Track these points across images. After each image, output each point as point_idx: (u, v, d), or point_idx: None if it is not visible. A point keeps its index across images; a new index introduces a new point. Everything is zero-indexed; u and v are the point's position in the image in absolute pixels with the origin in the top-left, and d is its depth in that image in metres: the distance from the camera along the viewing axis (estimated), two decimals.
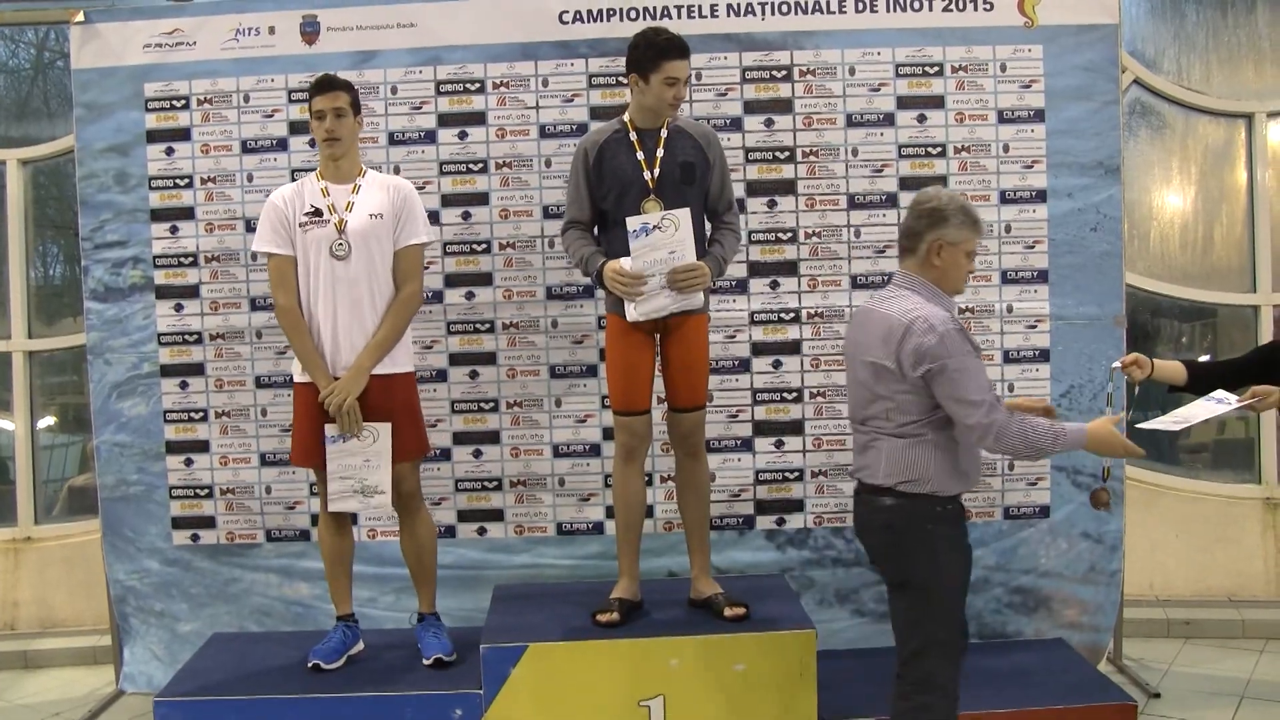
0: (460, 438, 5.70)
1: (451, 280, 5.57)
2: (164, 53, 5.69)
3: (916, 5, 5.58)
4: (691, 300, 4.70)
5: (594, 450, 5.70)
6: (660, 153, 4.74)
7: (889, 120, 5.62)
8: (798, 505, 5.70)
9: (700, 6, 5.58)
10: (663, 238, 4.62)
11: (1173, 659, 6.09)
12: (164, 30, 5.69)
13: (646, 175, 4.72)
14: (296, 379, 4.94)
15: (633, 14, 5.56)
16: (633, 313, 4.65)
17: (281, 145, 5.70)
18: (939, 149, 5.62)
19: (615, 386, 4.86)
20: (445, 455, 5.60)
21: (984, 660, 5.43)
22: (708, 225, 4.93)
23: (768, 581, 5.43)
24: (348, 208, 4.84)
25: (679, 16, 5.54)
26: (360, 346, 4.81)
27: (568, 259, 5.02)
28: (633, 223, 4.64)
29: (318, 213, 4.83)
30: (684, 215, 4.64)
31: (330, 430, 4.78)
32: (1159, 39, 6.97)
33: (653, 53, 4.66)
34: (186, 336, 5.74)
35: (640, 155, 4.74)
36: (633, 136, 4.77)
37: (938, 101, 5.62)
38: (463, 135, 5.66)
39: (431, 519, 5.18)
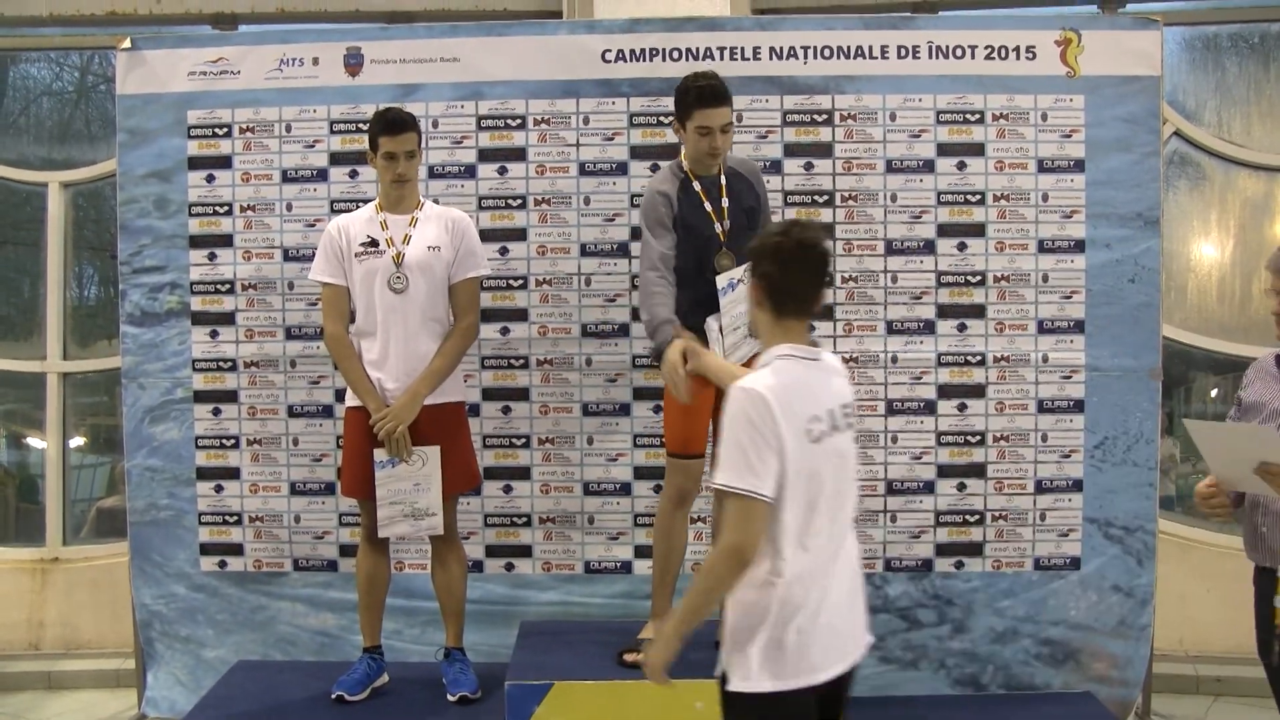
0: (491, 473, 5.69)
1: (487, 315, 5.54)
2: (208, 80, 5.72)
3: (959, 53, 5.58)
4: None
5: (624, 489, 5.68)
6: (725, 202, 4.74)
7: (929, 166, 5.61)
8: None
9: (743, 49, 5.59)
10: (745, 290, 4.62)
11: (1203, 716, 6.03)
12: (209, 59, 5.72)
13: (718, 228, 4.72)
14: (351, 404, 4.97)
15: (675, 54, 5.58)
16: None
17: (322, 176, 5.72)
18: (978, 196, 5.60)
19: (673, 429, 4.80)
20: (475, 490, 5.57)
21: (1011, 712, 5.44)
22: None
23: None
24: (405, 240, 4.88)
25: (721, 58, 5.56)
26: (411, 375, 4.83)
27: (641, 303, 4.76)
28: (721, 280, 4.65)
29: (374, 243, 4.87)
30: None
31: (379, 455, 4.80)
32: (1200, 91, 6.96)
33: (688, 99, 4.68)
34: (221, 363, 5.76)
35: (708, 206, 4.73)
36: (696, 186, 4.76)
37: (978, 149, 5.61)
38: (503, 170, 5.68)
39: (464, 553, 5.18)
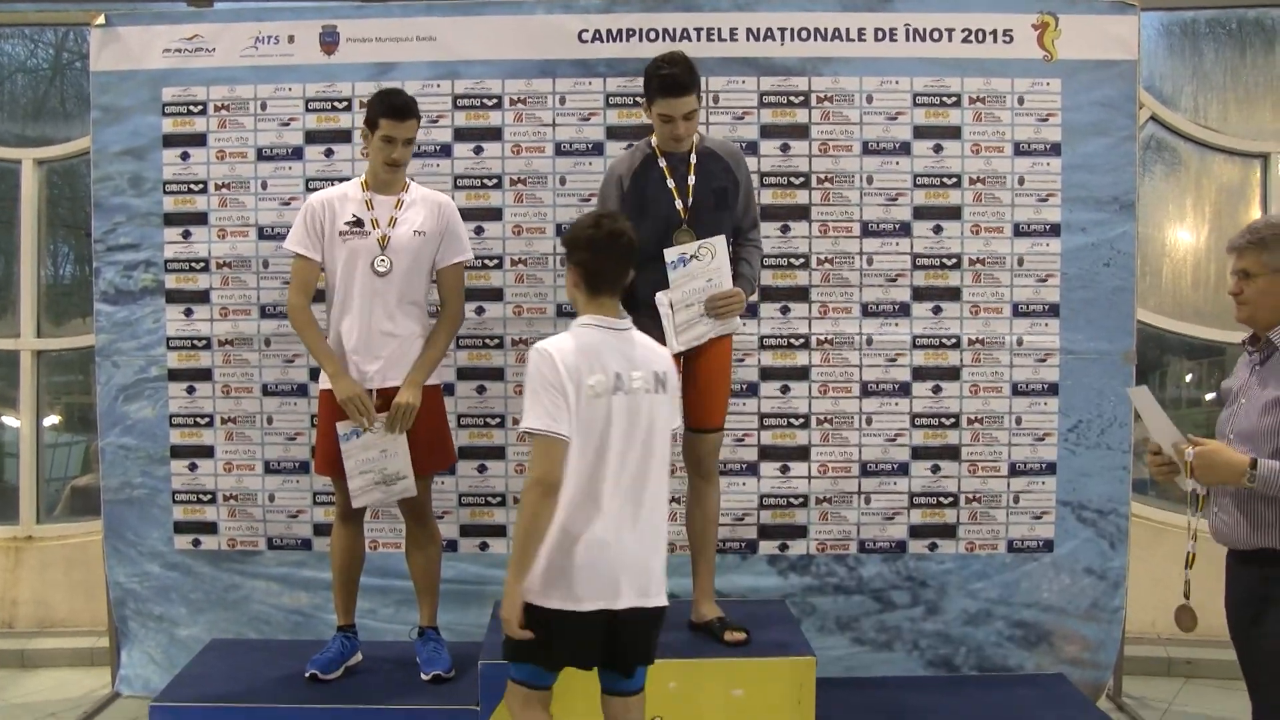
0: (465, 452, 5.68)
1: None
2: (183, 58, 5.70)
3: (936, 35, 5.58)
4: (729, 324, 4.72)
5: None
6: (692, 179, 4.72)
7: (905, 149, 5.62)
8: (801, 531, 5.69)
9: (720, 30, 5.59)
10: (700, 266, 4.62)
11: (1173, 698, 6.06)
12: (184, 35, 5.70)
13: (678, 205, 4.70)
14: (323, 386, 4.93)
15: (652, 35, 5.58)
16: (675, 345, 4.61)
17: (297, 154, 5.70)
18: (954, 179, 5.62)
19: None
20: (450, 469, 5.57)
21: (984, 694, 5.46)
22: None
23: (769, 607, 5.40)
24: (391, 223, 4.85)
25: (698, 39, 5.56)
26: (386, 357, 4.82)
27: None
28: (670, 254, 4.62)
29: (359, 223, 4.84)
30: (720, 243, 4.65)
31: (342, 428, 4.77)
32: (1177, 76, 6.97)
33: (651, 86, 4.64)
34: (195, 342, 5.74)
35: (671, 183, 4.72)
36: (662, 163, 4.74)
37: (954, 132, 5.62)
38: (478, 150, 5.67)
39: (439, 533, 5.16)
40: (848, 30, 5.60)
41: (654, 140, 4.78)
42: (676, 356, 4.66)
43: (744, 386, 5.64)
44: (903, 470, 5.67)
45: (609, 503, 3.60)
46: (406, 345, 4.88)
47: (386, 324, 4.84)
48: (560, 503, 3.58)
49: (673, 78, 4.57)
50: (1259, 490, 3.50)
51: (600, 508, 3.59)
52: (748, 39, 5.61)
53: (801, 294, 5.65)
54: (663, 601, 3.78)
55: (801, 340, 5.65)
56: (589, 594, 3.59)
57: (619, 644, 3.72)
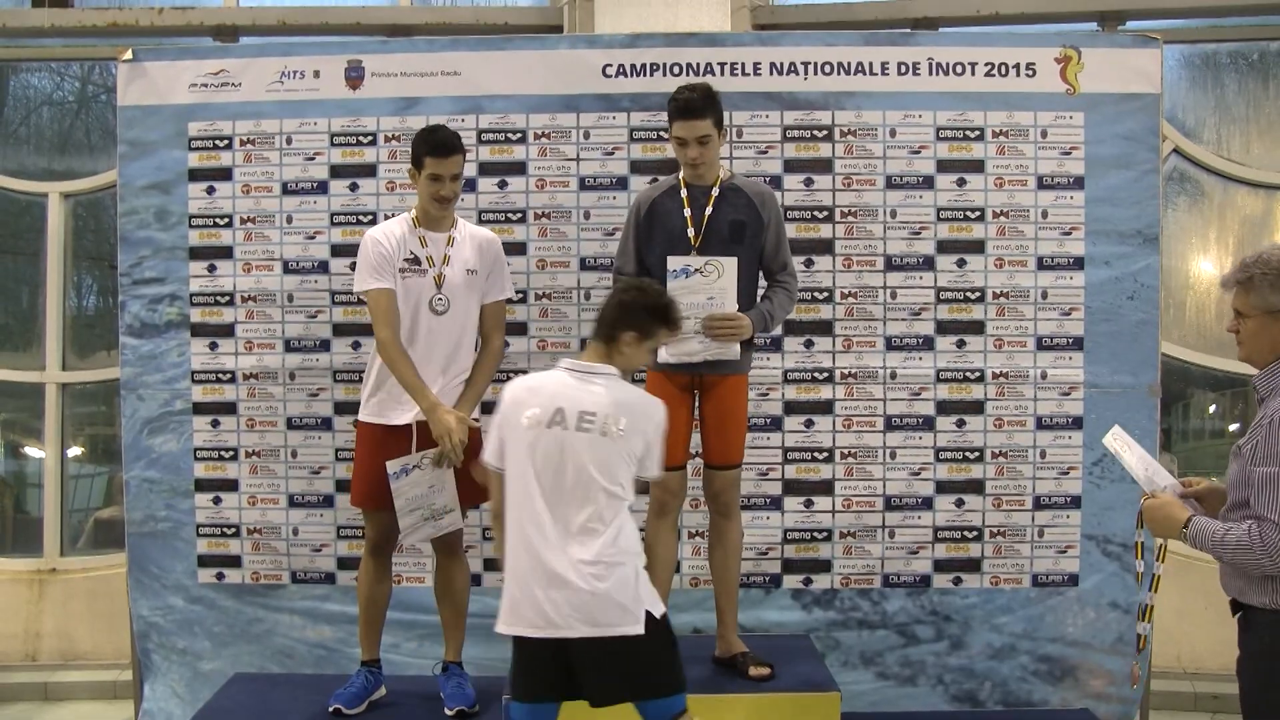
0: None
1: None
2: (209, 93, 5.73)
3: (959, 69, 5.59)
4: (725, 350, 4.70)
5: None
6: (709, 211, 4.74)
7: (928, 183, 5.61)
8: (825, 565, 5.67)
9: (743, 64, 5.60)
10: (703, 282, 4.63)
11: None
12: (210, 70, 5.73)
13: (690, 233, 4.73)
14: (362, 419, 4.95)
15: (675, 69, 5.59)
16: (663, 354, 4.63)
17: (322, 188, 5.72)
18: (978, 213, 5.61)
19: None
20: (475, 505, 5.56)
21: None
22: (762, 284, 4.93)
23: (793, 641, 5.39)
24: (445, 261, 4.88)
25: (722, 73, 5.56)
26: (446, 395, 4.85)
27: None
28: (674, 263, 4.65)
29: (416, 261, 4.86)
30: (730, 264, 4.65)
31: (393, 466, 4.76)
32: (1199, 109, 6.98)
33: (669, 110, 4.72)
34: (220, 375, 5.75)
35: (688, 212, 4.75)
36: (683, 194, 4.78)
37: (978, 165, 5.61)
38: (502, 184, 5.68)
39: (468, 567, 5.16)
40: (871, 64, 5.60)
41: (680, 172, 4.81)
42: (676, 382, 4.71)
43: (767, 420, 5.63)
44: (927, 504, 5.65)
45: (545, 531, 3.76)
46: (459, 382, 4.91)
47: (443, 362, 4.88)
48: (508, 527, 3.85)
49: (686, 101, 4.66)
50: (1194, 547, 3.53)
51: (534, 535, 3.76)
52: (771, 73, 5.62)
53: (825, 328, 5.64)
54: (628, 630, 3.76)
55: (825, 374, 5.64)
56: (535, 621, 3.74)
57: (584, 675, 3.79)
